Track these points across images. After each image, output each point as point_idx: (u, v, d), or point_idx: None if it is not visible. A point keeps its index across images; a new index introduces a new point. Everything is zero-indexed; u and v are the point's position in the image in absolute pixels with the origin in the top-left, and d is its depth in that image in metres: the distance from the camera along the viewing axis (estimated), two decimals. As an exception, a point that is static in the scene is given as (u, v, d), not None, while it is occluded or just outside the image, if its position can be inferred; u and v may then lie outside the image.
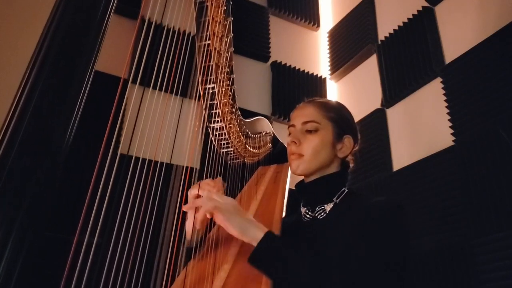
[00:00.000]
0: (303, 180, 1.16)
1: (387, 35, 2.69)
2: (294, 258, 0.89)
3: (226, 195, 1.07)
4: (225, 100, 1.25)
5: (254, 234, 0.91)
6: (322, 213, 1.06)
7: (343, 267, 0.88)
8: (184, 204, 1.02)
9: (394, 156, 2.47)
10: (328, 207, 1.07)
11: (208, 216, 0.96)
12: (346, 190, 1.09)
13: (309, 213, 1.09)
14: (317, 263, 0.87)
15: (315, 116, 1.12)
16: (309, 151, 1.09)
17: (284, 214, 1.21)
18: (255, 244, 0.91)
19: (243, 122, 1.46)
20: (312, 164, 1.09)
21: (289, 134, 1.15)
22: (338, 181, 1.11)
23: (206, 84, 1.15)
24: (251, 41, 2.96)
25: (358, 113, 1.23)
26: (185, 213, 1.05)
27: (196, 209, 0.99)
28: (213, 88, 1.17)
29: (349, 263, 0.88)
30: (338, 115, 1.14)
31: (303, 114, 1.14)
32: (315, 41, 3.38)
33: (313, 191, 1.12)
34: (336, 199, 1.07)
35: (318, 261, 0.88)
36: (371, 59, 2.86)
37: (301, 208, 1.13)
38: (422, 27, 2.44)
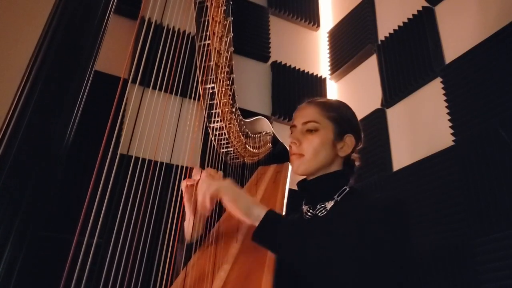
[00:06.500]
0: (305, 178, 1.16)
1: (387, 35, 2.69)
2: (297, 233, 0.90)
3: None
4: (225, 100, 1.25)
5: (258, 214, 0.91)
6: (323, 211, 1.07)
7: (340, 266, 0.87)
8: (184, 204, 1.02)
9: (394, 156, 2.47)
10: (329, 204, 1.07)
11: (207, 199, 0.96)
12: (348, 188, 1.10)
13: (310, 210, 1.09)
14: (320, 237, 0.89)
15: (314, 116, 1.12)
16: (309, 151, 1.10)
17: (284, 214, 1.21)
18: (257, 224, 0.91)
19: (243, 122, 1.46)
20: (313, 163, 1.10)
21: (291, 134, 1.16)
22: (339, 179, 1.12)
23: (205, 84, 1.15)
24: (251, 41, 2.96)
25: (358, 113, 1.23)
26: (184, 212, 1.05)
27: (195, 196, 1.00)
28: (212, 88, 1.17)
29: (346, 262, 0.88)
30: (339, 114, 1.14)
31: (303, 114, 1.15)
32: (315, 41, 3.38)
33: (314, 189, 1.12)
34: (337, 197, 1.08)
35: (321, 235, 0.90)
36: (371, 59, 2.85)
37: (303, 206, 1.14)
38: (422, 27, 2.44)
